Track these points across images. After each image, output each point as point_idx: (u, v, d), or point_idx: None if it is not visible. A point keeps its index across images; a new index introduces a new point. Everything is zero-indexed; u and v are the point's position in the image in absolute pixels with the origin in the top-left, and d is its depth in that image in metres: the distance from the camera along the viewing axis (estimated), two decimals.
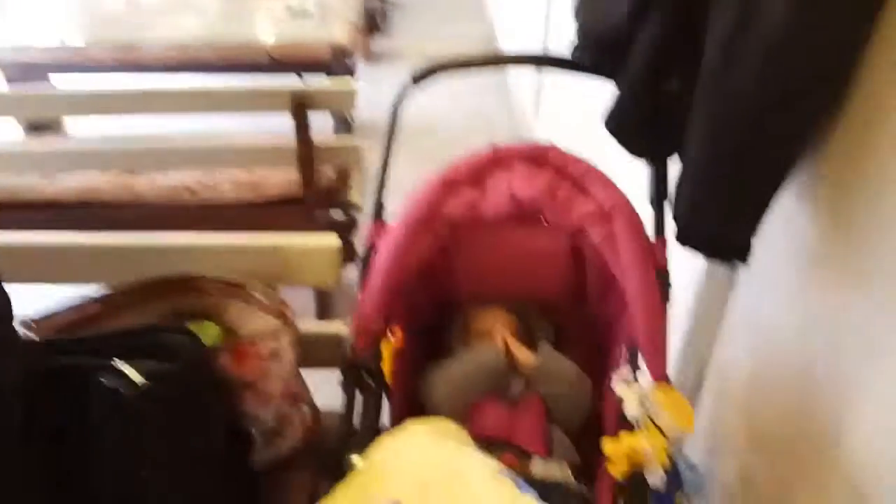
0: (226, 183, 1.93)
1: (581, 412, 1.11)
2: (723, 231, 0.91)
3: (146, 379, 0.75)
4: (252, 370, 0.96)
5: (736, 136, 0.82)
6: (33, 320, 0.95)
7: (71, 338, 0.94)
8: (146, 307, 1.04)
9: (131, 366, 0.76)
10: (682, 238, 0.94)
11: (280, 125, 1.78)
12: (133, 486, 0.78)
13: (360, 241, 1.72)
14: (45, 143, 2.20)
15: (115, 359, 0.76)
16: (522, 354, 1.17)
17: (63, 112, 2.10)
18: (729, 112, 0.79)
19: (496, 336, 1.20)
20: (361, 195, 2.07)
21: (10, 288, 0.77)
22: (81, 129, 2.60)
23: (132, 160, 1.87)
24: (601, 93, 1.03)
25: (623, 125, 0.95)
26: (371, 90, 1.92)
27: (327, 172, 1.98)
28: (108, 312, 1.00)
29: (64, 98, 1.82)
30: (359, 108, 1.85)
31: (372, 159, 1.24)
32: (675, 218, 0.93)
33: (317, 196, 1.86)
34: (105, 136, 2.12)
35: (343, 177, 2.11)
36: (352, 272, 1.11)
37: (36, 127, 2.56)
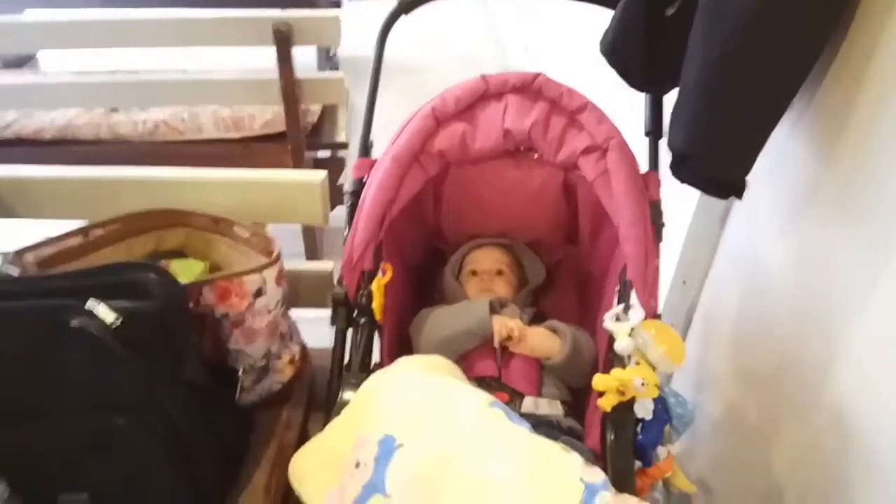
0: (207, 119, 1.88)
1: (582, 377, 1.04)
2: (719, 165, 0.89)
3: (118, 318, 0.73)
4: (237, 306, 0.94)
5: (735, 63, 0.79)
6: (13, 253, 0.93)
7: (42, 276, 0.91)
8: (130, 242, 1.01)
9: (103, 305, 0.73)
10: (677, 172, 0.92)
11: (262, 60, 1.72)
12: (108, 433, 0.76)
13: (346, 182, 1.69)
14: (21, 78, 2.12)
15: (90, 299, 0.73)
16: (528, 344, 1.06)
17: (38, 45, 2.02)
18: (728, 35, 0.76)
19: (498, 323, 1.06)
20: (347, 134, 2.02)
21: None
22: (57, 66, 2.51)
23: (111, 96, 1.80)
24: (595, 24, 1.00)
25: (619, 51, 0.93)
26: (356, 28, 1.85)
27: (312, 108, 1.92)
28: (90, 246, 0.98)
29: (39, 27, 1.73)
30: (343, 46, 1.78)
31: (357, 97, 1.20)
32: (671, 151, 0.91)
33: (301, 133, 1.81)
34: (83, 72, 2.03)
35: (328, 114, 2.06)
36: (339, 214, 1.09)
37: (10, 64, 2.48)
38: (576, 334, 1.08)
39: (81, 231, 0.98)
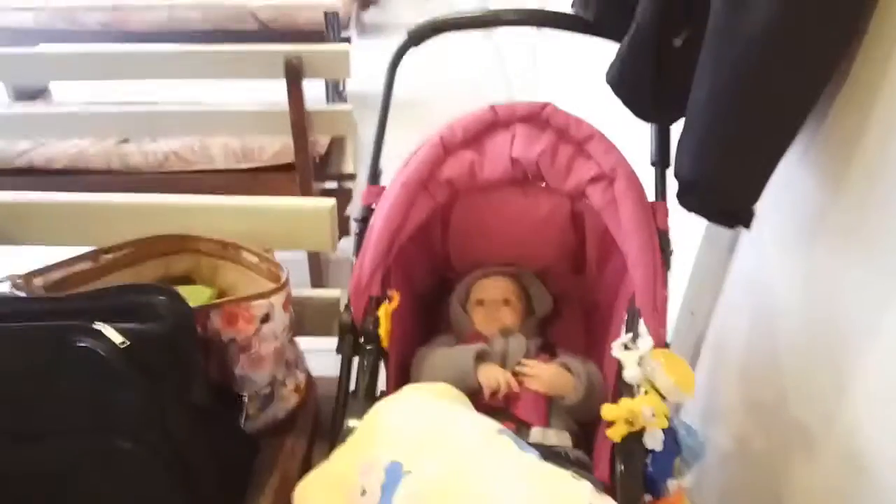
0: (217, 150, 1.90)
1: (592, 414, 1.01)
2: (726, 192, 0.90)
3: (126, 340, 0.72)
4: (244, 332, 0.93)
5: (744, 88, 0.79)
6: (21, 276, 0.93)
7: (50, 296, 0.91)
8: (139, 267, 1.02)
9: (111, 327, 0.73)
10: (685, 201, 0.92)
11: (272, 96, 1.75)
12: (111, 455, 0.76)
13: (354, 213, 1.70)
14: (34, 108, 2.15)
15: (95, 322, 0.73)
16: (543, 383, 1.04)
17: (52, 75, 2.06)
18: (737, 59, 0.77)
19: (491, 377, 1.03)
20: (354, 165, 2.04)
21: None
22: (69, 97, 2.55)
23: (122, 127, 1.83)
24: (601, 57, 1.01)
25: (626, 82, 0.93)
26: (364, 63, 1.88)
27: (320, 140, 1.95)
28: (99, 271, 0.98)
29: (52, 59, 1.77)
30: (351, 81, 1.82)
31: (364, 130, 1.21)
32: (677, 178, 0.92)
33: (310, 164, 1.83)
34: (94, 102, 2.07)
35: (336, 146, 2.08)
36: (345, 246, 1.09)
37: (24, 96, 2.52)
38: (590, 373, 1.07)
39: (91, 255, 0.99)
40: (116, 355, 0.71)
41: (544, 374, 1.04)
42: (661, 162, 1.04)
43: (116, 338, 0.72)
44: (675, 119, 0.97)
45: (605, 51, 1.02)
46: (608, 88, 1.00)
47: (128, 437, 0.74)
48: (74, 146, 1.90)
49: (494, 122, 1.06)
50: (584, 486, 0.66)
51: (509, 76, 3.46)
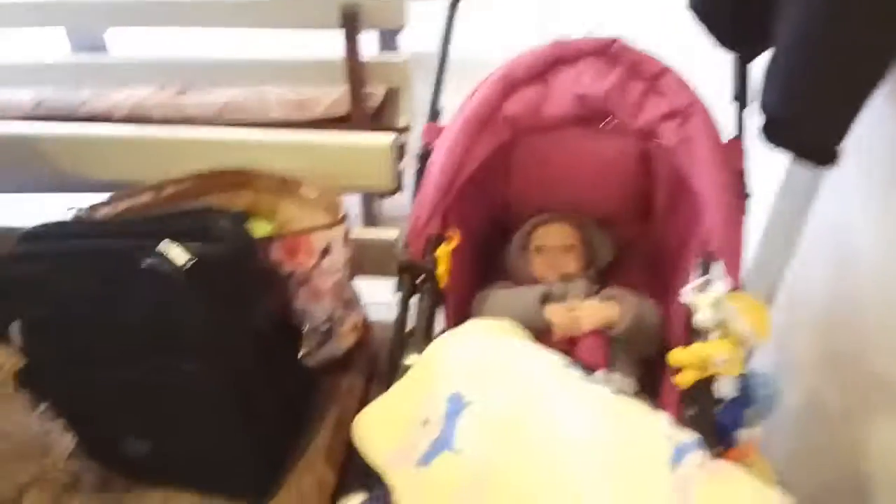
0: (272, 101, 1.89)
1: (651, 343, 1.02)
2: (814, 129, 0.84)
3: (190, 260, 0.72)
4: (305, 264, 0.93)
5: (839, 19, 0.73)
6: (86, 209, 0.94)
7: (116, 219, 0.92)
8: (199, 201, 1.01)
9: (177, 246, 0.73)
10: (769, 135, 0.87)
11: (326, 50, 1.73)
12: (174, 378, 0.76)
13: (407, 168, 1.67)
14: (93, 58, 2.18)
15: (164, 241, 0.73)
16: (588, 321, 1.01)
17: (110, 21, 2.07)
18: None
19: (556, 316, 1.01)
20: (409, 118, 2.01)
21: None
22: (126, 48, 2.57)
23: (179, 76, 1.84)
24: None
25: (710, 7, 0.87)
26: (416, 22, 1.84)
27: (375, 92, 1.92)
28: (161, 203, 0.98)
29: (108, 6, 1.78)
30: (404, 40, 1.78)
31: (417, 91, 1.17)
32: (764, 113, 0.86)
33: (364, 116, 1.80)
34: (152, 53, 2.09)
35: (390, 99, 2.05)
36: (398, 200, 1.06)
37: (83, 47, 2.56)
38: (640, 302, 1.03)
39: (153, 187, 0.99)
40: (179, 276, 0.71)
41: (588, 308, 1.01)
42: (741, 97, 0.98)
43: (180, 259, 0.71)
44: (759, 49, 0.91)
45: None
46: (680, 24, 0.95)
47: (192, 359, 0.74)
48: (134, 96, 1.92)
49: (559, 58, 1.01)
50: (661, 417, 0.63)
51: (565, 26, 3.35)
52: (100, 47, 2.54)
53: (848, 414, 0.99)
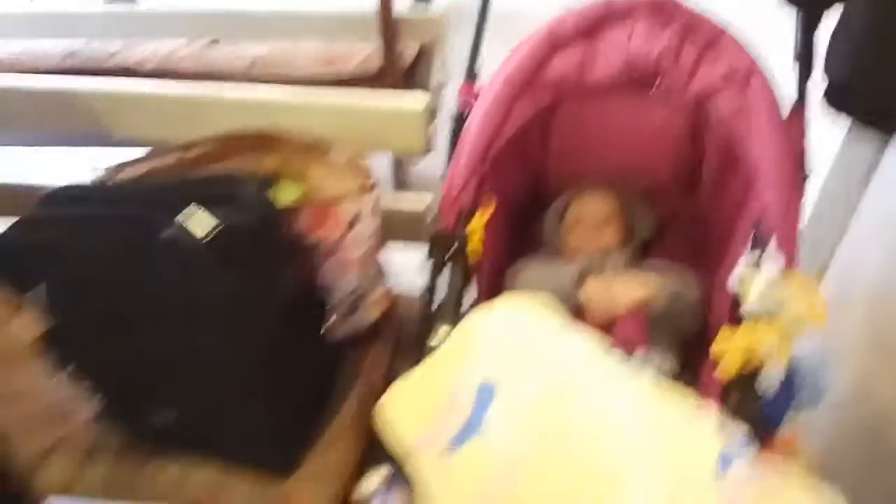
0: (303, 56, 1.83)
1: (692, 320, 0.98)
2: (887, 96, 0.77)
3: (213, 230, 0.68)
4: (332, 234, 0.89)
5: None
6: (108, 168, 0.90)
7: (138, 184, 0.89)
8: (227, 163, 0.98)
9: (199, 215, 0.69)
10: (835, 100, 0.80)
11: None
12: (198, 349, 0.73)
13: (439, 128, 1.61)
14: (125, 9, 2.14)
15: (189, 205, 0.69)
16: (627, 300, 0.96)
17: None
18: None
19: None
20: (444, 77, 1.94)
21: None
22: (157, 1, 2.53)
23: (211, 27, 1.79)
24: None
25: None
26: None
27: (408, 48, 1.85)
28: (186, 165, 0.95)
29: None
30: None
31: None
32: (829, 79, 0.79)
33: (397, 74, 1.74)
34: (183, 4, 2.04)
35: (424, 56, 1.97)
36: (431, 160, 1.01)
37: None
38: (677, 276, 0.98)
39: (177, 149, 0.95)
40: (199, 247, 0.67)
41: (625, 285, 0.96)
42: (805, 57, 0.90)
43: (201, 229, 0.68)
44: (830, 3, 0.83)
45: None
46: None
47: (215, 330, 0.71)
48: (164, 48, 1.87)
49: (610, 14, 0.94)
50: (707, 412, 0.58)
51: None
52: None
53: None
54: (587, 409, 0.62)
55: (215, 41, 1.87)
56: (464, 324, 0.78)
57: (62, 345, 0.80)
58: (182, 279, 0.70)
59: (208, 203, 0.72)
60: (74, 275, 0.74)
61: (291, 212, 0.88)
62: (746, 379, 0.76)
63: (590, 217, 1.11)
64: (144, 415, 0.81)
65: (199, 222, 0.69)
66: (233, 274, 0.70)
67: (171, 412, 0.80)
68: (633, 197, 1.15)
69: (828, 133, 0.82)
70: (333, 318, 0.97)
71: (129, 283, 0.73)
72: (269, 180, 0.86)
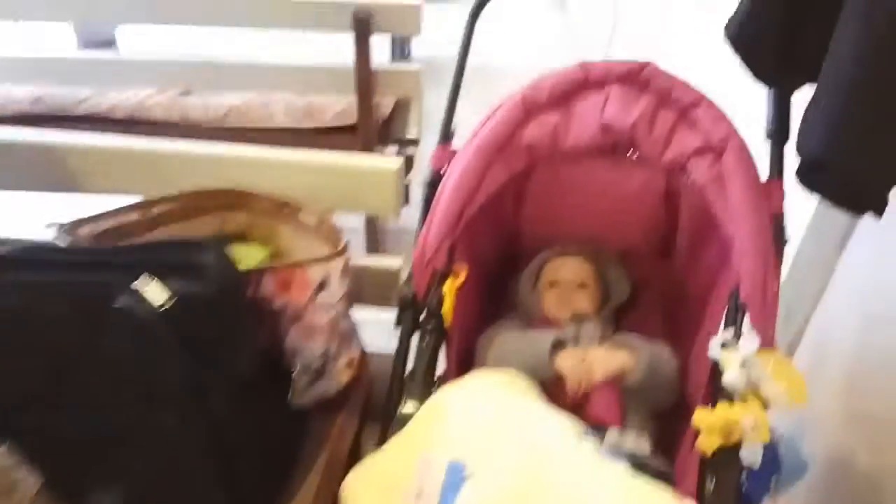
0: (278, 107, 1.82)
1: (667, 395, 0.95)
2: (861, 176, 0.76)
3: (168, 300, 0.65)
4: (298, 299, 0.85)
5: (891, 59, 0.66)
6: (67, 224, 0.87)
7: (92, 247, 0.85)
8: (192, 222, 0.95)
9: (153, 286, 0.66)
10: (807, 180, 0.79)
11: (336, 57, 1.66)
12: (148, 427, 0.69)
13: (414, 180, 1.59)
14: (99, 56, 2.13)
15: (141, 276, 0.66)
16: (601, 372, 0.92)
17: (117, 18, 2.02)
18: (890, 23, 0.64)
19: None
20: (419, 131, 1.94)
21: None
22: (135, 47, 2.53)
23: (185, 77, 1.78)
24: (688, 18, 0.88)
25: (748, 34, 0.80)
26: (431, 27, 1.76)
27: (384, 102, 1.85)
28: (149, 223, 0.91)
29: (118, 2, 1.73)
30: (417, 47, 1.71)
31: (430, 99, 1.10)
32: (802, 156, 0.79)
33: (373, 126, 1.74)
34: (159, 53, 2.03)
35: (400, 109, 1.98)
36: (406, 213, 0.99)
37: (91, 45, 2.51)
38: (653, 351, 0.95)
39: (141, 206, 0.92)
40: (155, 319, 0.64)
41: (600, 357, 0.93)
42: (779, 134, 0.90)
43: (156, 300, 0.64)
44: (801, 83, 0.83)
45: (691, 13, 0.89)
46: (708, 52, 0.88)
47: (169, 408, 0.67)
48: (136, 95, 1.85)
49: (585, 82, 0.94)
50: None
51: (582, 45, 3.27)
52: (110, 44, 2.50)
53: (879, 474, 0.91)
54: (562, 502, 0.59)
55: (187, 92, 1.86)
56: (432, 401, 0.75)
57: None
58: (136, 352, 0.66)
59: (167, 269, 0.68)
60: (16, 342, 0.70)
61: (256, 275, 0.84)
62: (726, 458, 0.73)
63: (564, 280, 1.09)
64: (88, 493, 0.76)
65: (155, 290, 0.65)
66: (189, 348, 0.66)
67: (117, 492, 0.75)
68: (608, 259, 1.14)
69: (803, 199, 0.82)
70: (298, 385, 0.93)
71: (80, 355, 0.68)
72: (232, 243, 0.83)
